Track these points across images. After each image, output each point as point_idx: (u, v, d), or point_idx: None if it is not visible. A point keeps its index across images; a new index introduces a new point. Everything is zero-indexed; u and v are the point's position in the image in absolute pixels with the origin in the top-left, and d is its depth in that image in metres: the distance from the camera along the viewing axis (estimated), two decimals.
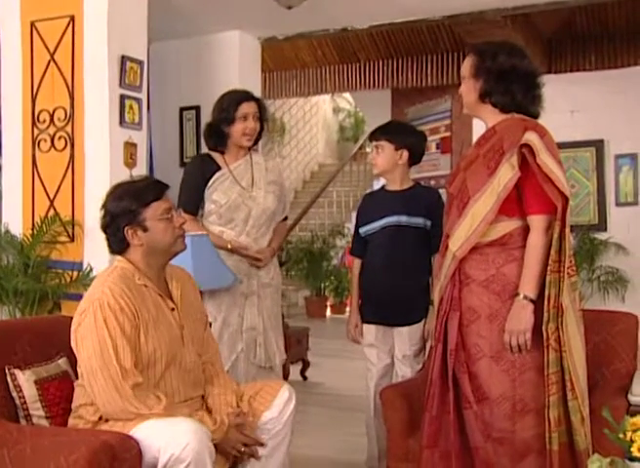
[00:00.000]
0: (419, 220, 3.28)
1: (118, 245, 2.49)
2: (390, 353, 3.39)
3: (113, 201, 2.47)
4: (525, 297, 2.39)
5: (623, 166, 7.19)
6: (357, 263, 3.48)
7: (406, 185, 3.38)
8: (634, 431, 1.82)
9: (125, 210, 2.43)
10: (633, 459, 1.79)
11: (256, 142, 3.58)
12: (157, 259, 2.52)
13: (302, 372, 5.96)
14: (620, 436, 1.85)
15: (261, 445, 2.50)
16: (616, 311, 3.16)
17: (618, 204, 7.24)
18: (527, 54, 2.61)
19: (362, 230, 3.42)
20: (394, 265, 3.30)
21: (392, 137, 3.31)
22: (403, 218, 3.29)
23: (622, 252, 7.12)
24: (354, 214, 12.78)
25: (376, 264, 3.36)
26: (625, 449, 1.82)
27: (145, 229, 2.44)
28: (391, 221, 3.30)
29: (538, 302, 2.40)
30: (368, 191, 4.09)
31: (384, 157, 3.31)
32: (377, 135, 3.35)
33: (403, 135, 3.36)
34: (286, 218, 3.71)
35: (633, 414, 1.91)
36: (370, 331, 3.41)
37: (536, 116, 2.56)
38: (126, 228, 2.43)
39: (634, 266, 7.07)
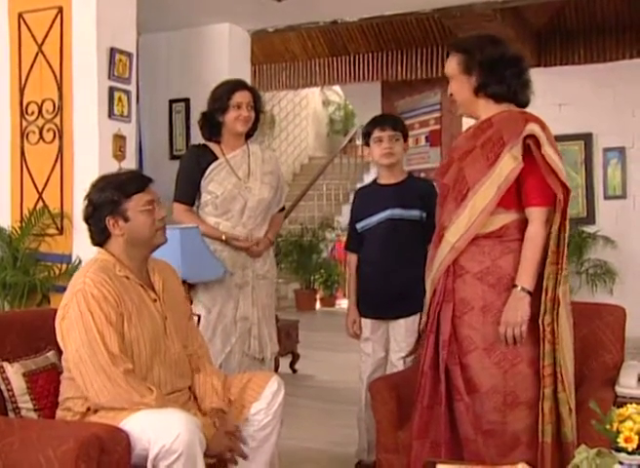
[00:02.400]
0: (414, 213, 3.30)
1: (99, 235, 2.51)
2: (385, 346, 3.40)
3: (97, 192, 2.50)
4: (522, 289, 2.39)
5: (611, 159, 7.23)
6: (354, 259, 3.49)
7: (400, 178, 3.40)
8: (621, 422, 1.83)
9: (107, 200, 2.46)
10: (619, 450, 1.80)
11: (252, 133, 3.57)
12: (138, 251, 2.53)
13: (292, 365, 5.97)
14: (607, 427, 1.86)
15: (245, 457, 2.51)
16: (603, 303, 3.18)
17: (606, 197, 7.29)
18: (505, 42, 2.62)
19: (359, 226, 3.42)
20: (391, 259, 3.31)
21: (403, 130, 3.40)
22: (398, 212, 3.30)
23: (610, 244, 7.17)
24: (344, 207, 12.77)
25: (373, 259, 3.37)
26: (612, 440, 1.83)
27: (127, 219, 2.46)
28: (387, 215, 3.32)
29: (533, 295, 2.40)
30: (359, 185, 4.11)
31: (400, 148, 3.37)
32: (393, 125, 3.37)
33: (406, 128, 3.47)
34: (283, 209, 3.71)
35: (620, 406, 1.92)
36: (366, 324, 3.42)
37: (527, 103, 2.57)
38: (107, 218, 2.46)
39: (622, 259, 7.12)
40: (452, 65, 2.58)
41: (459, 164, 2.53)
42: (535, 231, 2.41)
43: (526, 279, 2.40)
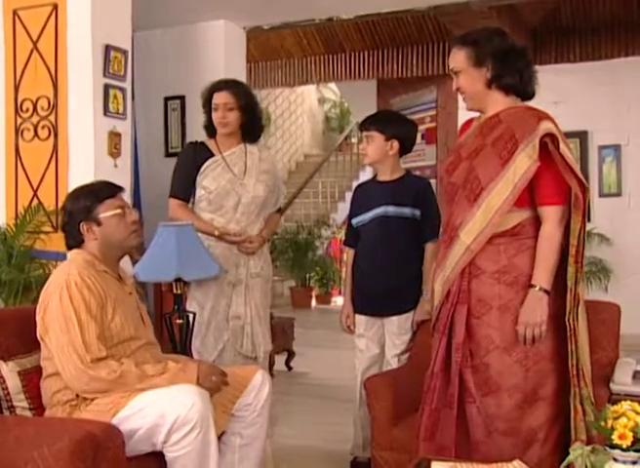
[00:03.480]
0: (406, 211, 3.28)
1: (74, 240, 2.62)
2: (380, 343, 3.39)
3: (71, 200, 2.64)
4: (540, 289, 2.38)
5: (607, 157, 7.25)
6: (351, 254, 3.49)
7: (396, 175, 3.37)
8: (615, 419, 1.83)
9: (81, 207, 2.59)
10: (614, 447, 1.81)
11: (253, 133, 3.54)
12: (112, 252, 2.63)
13: (287, 363, 5.96)
14: (602, 424, 1.86)
15: (225, 375, 2.55)
16: (598, 301, 3.18)
17: (601, 195, 7.30)
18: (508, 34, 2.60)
19: (354, 221, 3.43)
20: (383, 256, 3.30)
21: (383, 128, 3.28)
22: (390, 209, 3.29)
23: (606, 242, 7.18)
24: (340, 205, 12.72)
25: (365, 255, 3.37)
26: (606, 437, 1.84)
27: (99, 224, 2.58)
28: (379, 213, 3.30)
29: (551, 293, 2.40)
30: (358, 182, 4.09)
31: (374, 147, 3.29)
32: (366, 125, 3.32)
33: (393, 125, 3.33)
34: (280, 209, 3.69)
35: (614, 403, 1.92)
36: (360, 321, 3.42)
37: (533, 95, 2.55)
38: (81, 224, 2.58)
39: (617, 256, 7.14)
40: (459, 59, 2.52)
41: (469, 162, 2.49)
42: (550, 231, 2.40)
43: (544, 279, 2.39)
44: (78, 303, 2.39)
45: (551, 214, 2.41)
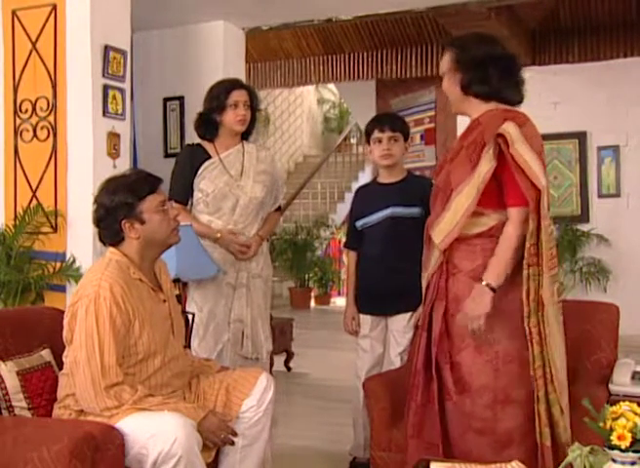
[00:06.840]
0: (415, 210, 3.30)
1: (112, 238, 2.49)
2: (384, 342, 3.41)
3: (107, 195, 2.46)
4: (487, 285, 2.38)
5: (606, 158, 7.26)
6: (353, 256, 3.50)
7: (400, 176, 3.41)
8: (614, 419, 1.83)
9: (121, 203, 2.43)
10: (613, 448, 1.81)
11: (250, 132, 3.56)
12: (152, 252, 2.53)
13: (287, 363, 5.97)
14: (601, 425, 1.86)
15: (235, 435, 2.50)
16: (597, 301, 3.19)
17: (600, 195, 7.31)
18: (499, 41, 2.60)
19: (358, 224, 3.44)
20: (393, 257, 3.32)
21: (403, 129, 3.39)
22: (399, 210, 3.32)
23: (604, 243, 7.20)
24: (339, 206, 12.68)
25: (373, 256, 3.37)
26: (605, 438, 1.84)
27: (143, 222, 2.45)
28: (388, 214, 3.33)
29: (518, 294, 2.39)
30: (354, 184, 4.11)
31: (399, 148, 3.36)
32: (393, 126, 3.36)
33: (407, 126, 3.45)
34: (279, 208, 3.69)
35: (613, 403, 1.92)
36: (366, 321, 3.43)
37: (518, 102, 2.55)
38: (123, 221, 2.44)
39: (616, 257, 7.15)
40: (444, 61, 2.58)
41: (449, 165, 2.53)
42: (509, 231, 2.40)
43: (493, 276, 2.38)
44: (103, 321, 2.30)
45: (513, 216, 2.40)
